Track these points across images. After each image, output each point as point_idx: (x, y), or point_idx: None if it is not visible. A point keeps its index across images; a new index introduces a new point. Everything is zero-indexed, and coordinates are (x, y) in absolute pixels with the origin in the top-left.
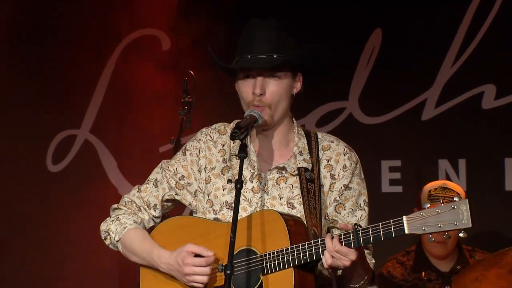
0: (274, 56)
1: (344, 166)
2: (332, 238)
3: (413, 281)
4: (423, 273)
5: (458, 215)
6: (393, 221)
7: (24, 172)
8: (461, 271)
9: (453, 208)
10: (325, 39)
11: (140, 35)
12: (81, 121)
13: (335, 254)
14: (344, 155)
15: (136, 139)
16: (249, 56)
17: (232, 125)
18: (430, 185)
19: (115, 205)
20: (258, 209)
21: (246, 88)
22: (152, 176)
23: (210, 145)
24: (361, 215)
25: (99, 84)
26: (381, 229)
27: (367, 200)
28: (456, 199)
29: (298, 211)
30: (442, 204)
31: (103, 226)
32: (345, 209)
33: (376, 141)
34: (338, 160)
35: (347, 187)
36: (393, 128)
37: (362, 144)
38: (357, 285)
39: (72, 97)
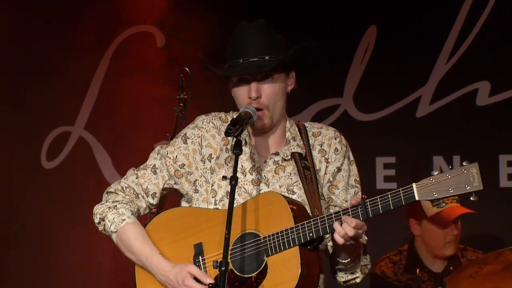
0: (266, 58)
1: (336, 150)
2: (341, 224)
3: (407, 281)
4: (417, 270)
5: (469, 178)
6: (402, 189)
7: (18, 168)
8: (455, 270)
9: (463, 172)
10: (320, 36)
11: (134, 32)
12: (76, 118)
13: (356, 231)
14: (335, 139)
15: (131, 136)
16: (241, 60)
17: (232, 114)
18: None
19: (110, 189)
20: None
21: (241, 92)
22: (150, 162)
23: (214, 132)
24: (354, 191)
25: (94, 81)
26: (390, 198)
27: (358, 179)
28: (464, 163)
29: (299, 195)
30: (452, 168)
31: (98, 210)
32: (338, 189)
33: (370, 138)
34: (330, 145)
35: (339, 169)
36: (388, 125)
37: (357, 141)
38: (348, 259)
39: (66, 93)
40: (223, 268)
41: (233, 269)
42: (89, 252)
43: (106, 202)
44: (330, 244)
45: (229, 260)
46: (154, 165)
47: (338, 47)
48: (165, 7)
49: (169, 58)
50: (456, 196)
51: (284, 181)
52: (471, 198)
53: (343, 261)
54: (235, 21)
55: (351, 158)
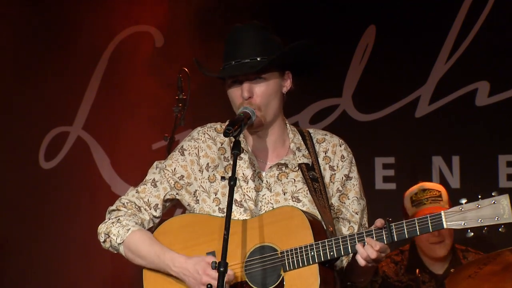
0: (258, 59)
1: (342, 157)
2: (364, 245)
3: (408, 282)
4: (417, 271)
5: (499, 210)
6: (430, 216)
7: (16, 169)
8: (455, 270)
9: (494, 203)
10: (319, 36)
11: (133, 32)
12: (74, 118)
13: (378, 254)
14: (340, 146)
15: (129, 136)
16: (233, 62)
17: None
18: (409, 192)
19: (112, 207)
20: (263, 207)
21: (235, 93)
22: (149, 177)
23: (210, 143)
24: (363, 204)
25: (92, 81)
26: (417, 224)
27: (363, 191)
28: (494, 193)
29: (304, 204)
30: (481, 199)
31: (102, 228)
32: (348, 199)
33: (369, 138)
34: (335, 151)
35: (347, 177)
36: (387, 125)
37: (356, 141)
38: (362, 280)
39: (64, 93)
40: (222, 269)
41: (248, 281)
42: (88, 252)
43: (109, 219)
44: (344, 260)
45: (244, 272)
46: (154, 179)
47: (337, 47)
48: (163, 7)
49: (168, 59)
50: (485, 227)
51: (288, 187)
52: (499, 230)
53: (357, 279)
54: (234, 21)
55: (356, 168)
